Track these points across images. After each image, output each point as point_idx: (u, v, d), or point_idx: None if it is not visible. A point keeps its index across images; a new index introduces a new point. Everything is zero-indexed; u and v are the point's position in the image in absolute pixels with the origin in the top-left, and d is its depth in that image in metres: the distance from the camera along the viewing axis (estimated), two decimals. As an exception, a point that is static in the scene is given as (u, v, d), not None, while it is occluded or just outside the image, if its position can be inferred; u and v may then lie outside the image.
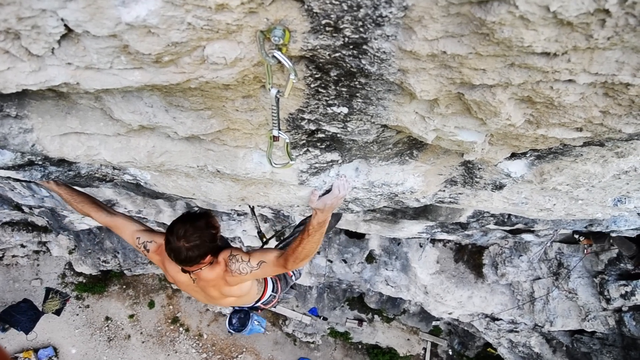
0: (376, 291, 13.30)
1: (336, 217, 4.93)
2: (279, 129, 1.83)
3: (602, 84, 1.59)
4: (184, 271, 2.98)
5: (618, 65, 1.47)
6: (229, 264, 3.02)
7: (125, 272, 14.74)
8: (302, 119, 2.07)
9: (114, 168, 3.08)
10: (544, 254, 11.46)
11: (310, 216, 2.98)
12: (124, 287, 15.78)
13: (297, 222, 4.28)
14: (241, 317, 4.27)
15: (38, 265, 15.09)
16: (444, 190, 3.58)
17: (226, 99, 1.95)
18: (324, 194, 3.00)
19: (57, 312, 14.91)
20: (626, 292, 10.74)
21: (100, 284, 15.38)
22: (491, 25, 1.25)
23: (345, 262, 12.57)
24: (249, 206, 1.64)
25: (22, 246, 14.18)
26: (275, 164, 2.12)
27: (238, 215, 10.99)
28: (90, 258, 13.53)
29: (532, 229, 7.65)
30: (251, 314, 4.27)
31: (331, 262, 12.79)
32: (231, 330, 4.29)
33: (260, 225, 11.40)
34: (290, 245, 3.00)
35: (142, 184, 3.17)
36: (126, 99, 2.04)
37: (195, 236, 2.74)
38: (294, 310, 16.22)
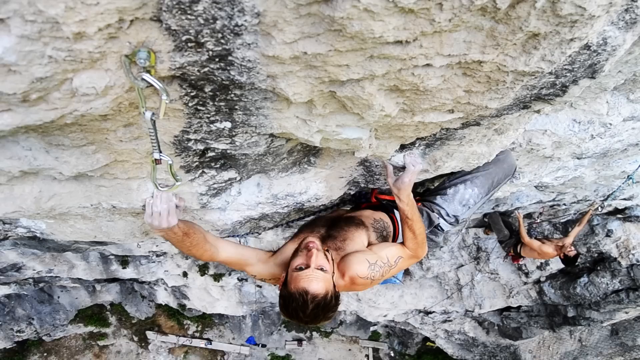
0: (310, 308, 13.28)
1: None
2: (160, 152, 1.82)
3: (458, 65, 1.72)
4: None
5: (466, 44, 1.60)
6: (362, 275, 2.70)
7: (44, 338, 13.86)
8: (189, 139, 2.07)
9: (4, 222, 2.92)
10: (463, 242, 11.93)
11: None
12: (45, 354, 14.79)
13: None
14: None
15: (-56, 348, 13.83)
16: (349, 193, 3.68)
17: (107, 131, 1.92)
18: (398, 171, 3.00)
19: (-26, 396, 13.73)
20: (541, 263, 11.40)
21: (17, 357, 14.30)
22: (341, 21, 1.32)
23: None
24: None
25: None
26: (161, 187, 2.10)
27: (157, 256, 10.65)
28: (1, 330, 12.58)
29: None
30: None
31: (260, 287, 12.67)
32: None
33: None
34: (403, 237, 2.97)
35: (38, 234, 3.02)
36: (0, 145, 1.95)
37: (317, 320, 2.47)
38: (230, 343, 15.89)
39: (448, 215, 3.70)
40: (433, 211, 3.70)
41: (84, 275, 10.32)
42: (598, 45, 1.85)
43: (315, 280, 2.40)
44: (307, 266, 2.46)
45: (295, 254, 2.64)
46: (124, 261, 10.79)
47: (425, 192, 4.31)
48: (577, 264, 8.42)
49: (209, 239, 2.61)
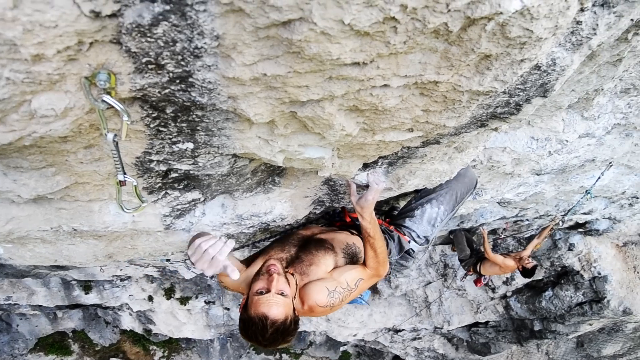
0: (279, 329, 13.20)
1: None
2: (124, 173, 1.82)
3: (415, 85, 1.77)
4: None
5: (422, 65, 1.66)
6: (321, 304, 2.73)
7: (2, 370, 13.35)
8: (151, 160, 2.06)
9: (-41, 249, 2.84)
10: (430, 259, 12.05)
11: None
12: (4, 386, 14.25)
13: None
14: None
15: None
16: (314, 212, 3.70)
17: (67, 152, 1.90)
18: (361, 189, 3.05)
19: None
20: (507, 278, 11.60)
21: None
22: (299, 44, 1.36)
23: (243, 306, 12.36)
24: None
25: None
26: (127, 209, 2.09)
27: (121, 280, 10.43)
28: (-42, 362, 12.12)
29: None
30: None
31: (228, 309, 12.52)
32: None
33: (146, 284, 10.88)
34: (365, 256, 3.06)
35: (-4, 260, 2.95)
36: (-44, 169, 1.92)
37: (275, 345, 2.52)
38: (199, 368, 15.59)
39: (419, 237, 3.76)
40: (404, 234, 3.75)
41: (45, 302, 10.04)
42: (547, 65, 1.93)
43: (275, 306, 2.43)
44: (268, 290, 2.48)
45: (257, 276, 2.65)
46: (86, 286, 10.54)
47: (391, 213, 4.36)
48: (541, 278, 8.57)
49: None
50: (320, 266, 2.93)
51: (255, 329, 2.39)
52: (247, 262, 2.95)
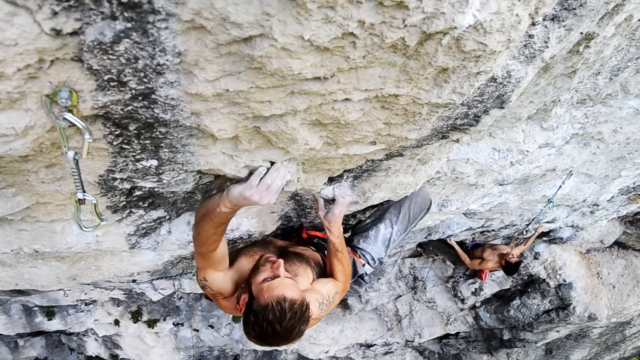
0: (250, 349, 13.09)
1: None
2: (84, 191, 1.80)
3: (375, 99, 1.81)
4: None
5: (382, 79, 1.70)
6: (314, 317, 2.63)
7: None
8: (114, 179, 2.04)
9: None
10: (399, 272, 12.10)
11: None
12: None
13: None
14: None
15: None
16: (282, 228, 3.70)
17: (28, 172, 1.87)
18: (328, 203, 3.03)
19: None
20: (475, 289, 11.74)
21: None
22: (260, 60, 1.38)
23: (212, 327, 12.20)
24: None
25: None
26: (86, 227, 2.05)
27: (86, 304, 10.18)
28: None
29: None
30: None
31: (197, 330, 12.32)
32: None
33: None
34: (333, 271, 3.04)
35: (-48, 286, 2.85)
36: None
37: (292, 334, 2.31)
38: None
39: (373, 259, 3.75)
40: (359, 257, 3.74)
41: (5, 330, 9.73)
42: (503, 77, 2.00)
43: (290, 287, 2.32)
44: (276, 277, 2.40)
45: (256, 270, 2.57)
46: (49, 312, 10.26)
47: (349, 231, 4.36)
48: (508, 287, 8.70)
49: None
50: (304, 277, 2.92)
51: (272, 317, 2.20)
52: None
